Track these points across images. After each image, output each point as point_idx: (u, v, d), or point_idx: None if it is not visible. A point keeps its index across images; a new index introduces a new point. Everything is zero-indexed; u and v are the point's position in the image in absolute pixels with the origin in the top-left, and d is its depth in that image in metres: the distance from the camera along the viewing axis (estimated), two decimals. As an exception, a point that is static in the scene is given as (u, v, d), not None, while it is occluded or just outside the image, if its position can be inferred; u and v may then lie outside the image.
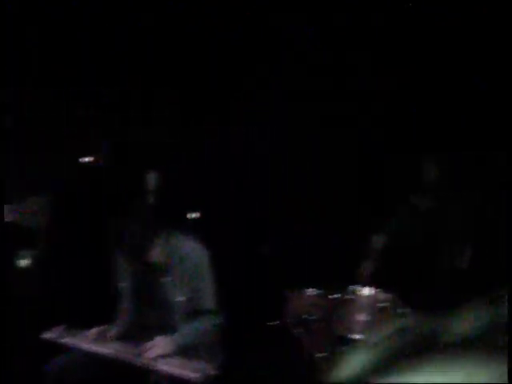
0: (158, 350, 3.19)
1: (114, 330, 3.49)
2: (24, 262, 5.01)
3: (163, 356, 3.18)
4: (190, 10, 5.25)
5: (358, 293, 4.05)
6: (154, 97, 5.92)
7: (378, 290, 4.06)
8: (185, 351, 3.28)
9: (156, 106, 5.95)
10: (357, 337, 3.94)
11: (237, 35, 5.38)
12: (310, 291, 4.15)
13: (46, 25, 5.13)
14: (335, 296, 4.08)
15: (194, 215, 5.89)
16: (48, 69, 5.39)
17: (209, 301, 3.45)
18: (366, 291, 4.07)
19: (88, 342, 3.34)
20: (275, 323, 4.20)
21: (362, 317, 3.99)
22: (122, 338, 3.45)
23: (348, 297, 4.03)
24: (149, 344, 3.21)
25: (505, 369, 0.66)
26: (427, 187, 4.85)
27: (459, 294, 4.74)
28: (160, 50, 5.47)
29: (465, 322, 0.75)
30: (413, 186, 4.90)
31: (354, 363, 0.76)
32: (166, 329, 3.35)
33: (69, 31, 5.21)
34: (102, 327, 3.46)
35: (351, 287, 4.07)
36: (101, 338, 3.39)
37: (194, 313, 3.43)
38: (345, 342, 3.96)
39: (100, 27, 5.26)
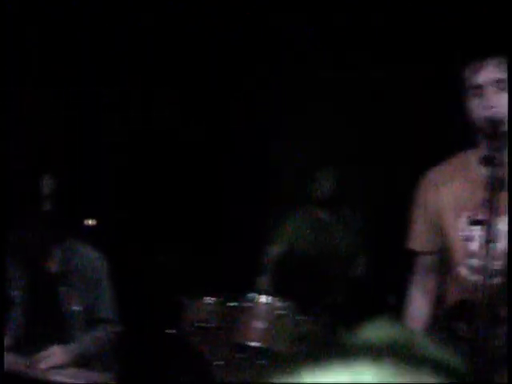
0: (52, 361, 3.08)
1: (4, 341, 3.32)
2: None
3: (58, 366, 3.07)
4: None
5: (256, 301, 4.05)
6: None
7: (276, 297, 4.08)
8: (81, 361, 3.18)
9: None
10: (254, 344, 3.96)
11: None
12: (208, 299, 4.12)
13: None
14: (233, 304, 4.07)
15: (91, 222, 5.75)
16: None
17: (106, 309, 3.38)
18: (264, 299, 4.07)
19: None
20: (172, 332, 4.12)
21: (259, 324, 3.99)
22: (14, 348, 3.29)
23: (246, 305, 4.02)
24: (42, 354, 3.09)
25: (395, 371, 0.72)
26: (323, 199, 4.96)
27: (354, 302, 4.86)
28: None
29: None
30: (310, 197, 4.98)
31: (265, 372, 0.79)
32: (62, 338, 3.25)
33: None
34: None
35: (250, 295, 4.06)
36: None
37: (91, 322, 3.34)
38: (243, 350, 3.98)
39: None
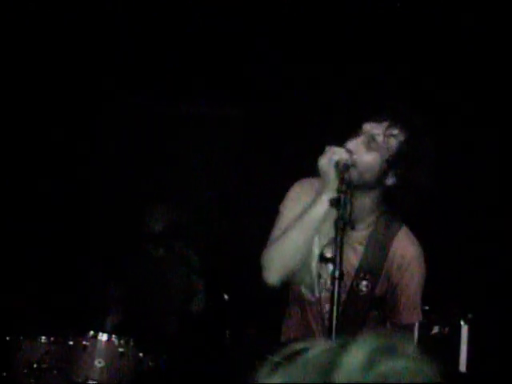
0: None
1: None
2: None
3: None
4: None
5: (97, 338, 4.08)
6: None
7: (117, 335, 4.14)
8: None
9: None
10: (94, 383, 3.98)
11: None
12: (44, 338, 4.09)
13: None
14: (71, 342, 4.07)
15: None
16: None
17: None
18: (104, 337, 4.11)
19: None
20: (2, 374, 3.98)
21: (100, 363, 4.02)
22: None
23: (86, 343, 4.04)
24: None
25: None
26: (155, 234, 4.89)
27: (192, 338, 4.88)
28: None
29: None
30: (144, 234, 4.94)
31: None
32: None
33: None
34: None
35: (91, 333, 4.09)
36: None
37: None
38: None
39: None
